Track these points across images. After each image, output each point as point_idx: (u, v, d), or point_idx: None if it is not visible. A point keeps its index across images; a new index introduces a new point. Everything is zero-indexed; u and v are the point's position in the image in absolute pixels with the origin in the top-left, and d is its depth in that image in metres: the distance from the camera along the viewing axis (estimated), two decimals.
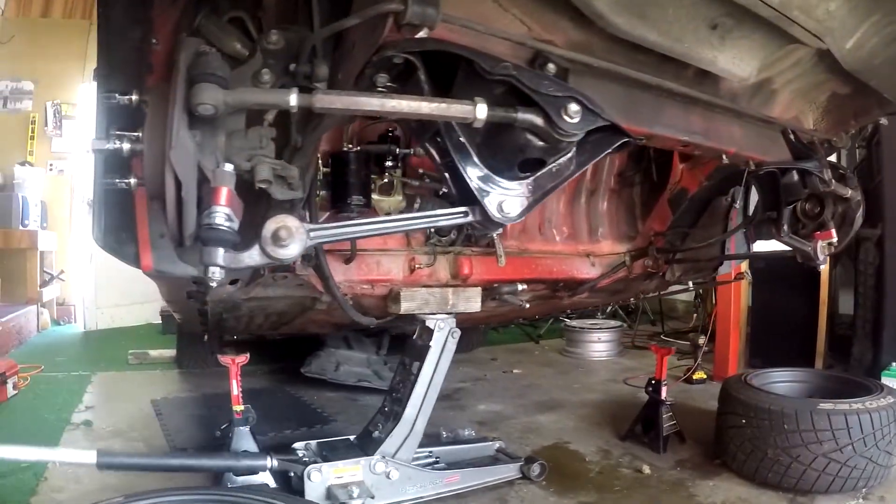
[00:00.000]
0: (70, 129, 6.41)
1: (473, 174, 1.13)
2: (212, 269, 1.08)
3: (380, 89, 1.12)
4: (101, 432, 2.92)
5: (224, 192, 1.07)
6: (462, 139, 1.12)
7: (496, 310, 2.73)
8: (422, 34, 1.02)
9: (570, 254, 2.45)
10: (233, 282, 1.98)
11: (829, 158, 2.22)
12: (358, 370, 3.46)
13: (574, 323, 4.81)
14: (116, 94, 1.23)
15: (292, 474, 2.08)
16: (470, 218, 1.17)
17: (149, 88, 1.24)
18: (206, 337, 3.59)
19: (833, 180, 1.92)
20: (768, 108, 1.70)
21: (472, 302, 2.14)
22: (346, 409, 3.24)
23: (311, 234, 1.10)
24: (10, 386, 3.42)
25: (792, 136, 1.81)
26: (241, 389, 2.38)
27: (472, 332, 4.56)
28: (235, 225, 1.10)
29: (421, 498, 2.16)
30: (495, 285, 2.20)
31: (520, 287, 2.18)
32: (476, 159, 1.14)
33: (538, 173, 1.15)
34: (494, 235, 2.24)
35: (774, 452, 2.25)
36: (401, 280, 2.08)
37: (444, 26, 1.05)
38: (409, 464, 2.15)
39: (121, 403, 3.48)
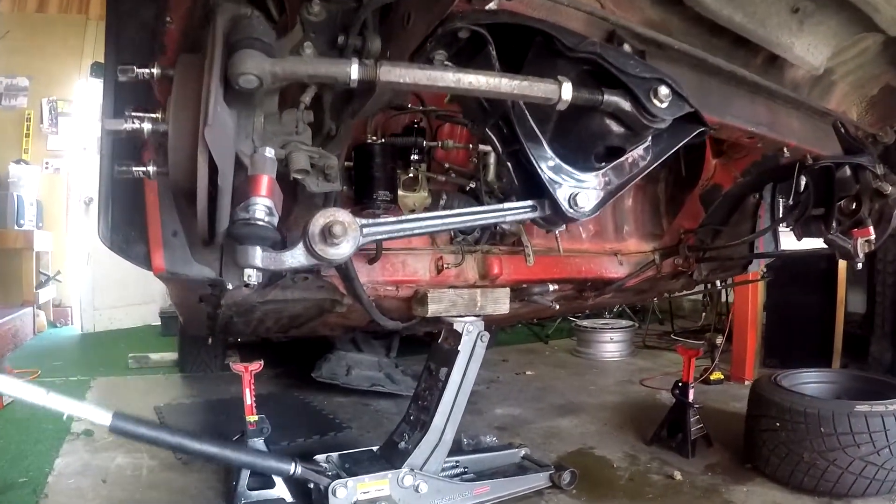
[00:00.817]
0: (66, 126, 6.23)
1: (544, 164, 1.01)
2: (248, 271, 0.94)
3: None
4: (103, 442, 2.76)
5: (265, 182, 0.94)
6: (533, 124, 0.99)
7: (518, 311, 2.61)
8: (492, 5, 0.89)
9: (598, 252, 2.33)
10: (248, 284, 1.85)
11: None
12: (370, 374, 3.32)
13: (585, 323, 4.69)
14: (134, 67, 1.08)
15: (312, 486, 1.94)
16: (538, 213, 1.05)
17: (176, 60, 1.09)
18: (210, 340, 3.46)
19: (885, 178, 1.82)
20: (826, 99, 1.63)
21: (500, 304, 2.01)
22: (359, 416, 3.11)
23: (365, 230, 0.97)
24: (3, 396, 3.27)
25: (843, 130, 1.71)
26: (254, 398, 2.26)
27: None
28: (276, 220, 0.97)
29: None
30: (524, 286, 2.08)
31: (551, 287, 2.05)
32: (547, 147, 1.01)
33: (614, 163, 1.03)
34: (523, 235, 2.12)
35: (811, 456, 2.19)
36: (427, 281, 1.95)
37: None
38: (438, 476, 2.03)
39: (123, 410, 3.33)
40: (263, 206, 0.93)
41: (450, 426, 2.01)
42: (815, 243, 3.76)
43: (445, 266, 1.94)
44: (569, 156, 1.04)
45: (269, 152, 0.97)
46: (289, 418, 3.04)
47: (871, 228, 2.02)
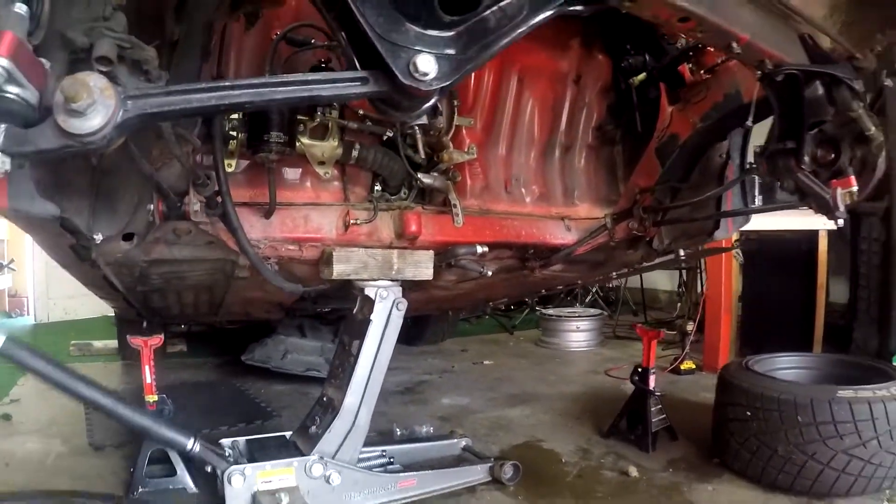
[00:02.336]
0: None
1: (374, 18, 0.76)
2: None
3: None
4: (20, 426, 2.62)
5: (7, 38, 0.70)
6: None
7: (461, 287, 2.36)
8: None
9: (542, 216, 2.09)
10: (126, 237, 1.60)
11: None
12: (308, 359, 3.08)
13: (550, 311, 4.45)
14: None
15: (219, 475, 1.68)
16: (371, 87, 0.80)
17: None
18: (144, 324, 3.22)
19: (861, 104, 1.57)
20: None
21: (422, 267, 1.76)
22: (293, 404, 2.86)
23: (130, 102, 0.73)
24: None
25: (811, 41, 1.46)
26: (154, 376, 2.02)
27: (440, 322, 4.20)
28: (28, 93, 0.73)
29: None
30: (451, 248, 1.83)
31: (479, 249, 1.80)
32: (383, 9, 0.76)
33: (474, 17, 0.78)
34: (451, 193, 1.88)
35: (786, 449, 1.95)
36: (334, 239, 1.70)
37: None
38: (353, 465, 1.78)
39: (50, 398, 3.08)
40: (1, 69, 0.69)
41: (364, 407, 1.75)
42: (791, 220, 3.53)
43: (353, 222, 1.69)
44: (409, 11, 0.79)
45: (19, 7, 0.73)
46: (219, 405, 2.81)
47: (853, 178, 1.78)
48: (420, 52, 0.80)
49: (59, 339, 4.57)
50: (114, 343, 4.05)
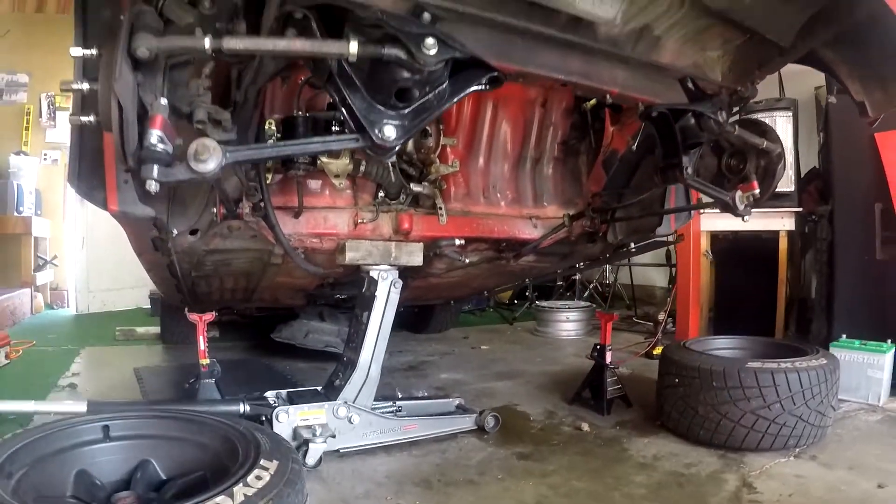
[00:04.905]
0: (63, 120, 6.70)
1: (360, 106, 1.37)
2: (149, 182, 1.32)
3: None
4: (85, 392, 3.18)
5: (158, 119, 1.31)
6: (352, 76, 1.36)
7: (453, 275, 2.96)
8: None
9: (514, 216, 2.68)
10: (192, 232, 2.22)
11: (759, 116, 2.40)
12: (327, 339, 3.68)
13: (545, 304, 5.03)
14: (82, 49, 1.47)
15: (264, 418, 2.24)
16: (361, 143, 1.41)
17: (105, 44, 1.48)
18: (186, 310, 3.86)
19: (737, 126, 2.08)
20: (656, 54, 1.83)
21: (413, 256, 2.36)
22: (314, 377, 3.44)
23: (228, 154, 1.34)
24: (1, 355, 3.68)
25: (690, 84, 1.98)
26: (206, 345, 2.62)
27: (444, 312, 4.81)
28: (169, 148, 1.34)
29: (381, 443, 2.35)
30: (436, 240, 2.43)
31: (457, 241, 2.41)
32: (364, 93, 1.37)
33: (415, 104, 1.40)
34: (437, 198, 2.48)
35: (704, 409, 2.37)
36: (346, 234, 2.31)
37: None
38: (369, 410, 2.34)
39: (105, 372, 3.74)
40: (156, 135, 1.29)
41: (374, 362, 2.32)
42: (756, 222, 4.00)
43: (361, 221, 2.30)
44: (378, 98, 1.39)
45: (164, 101, 1.34)
46: (252, 377, 3.40)
47: (756, 183, 2.24)
48: (386, 124, 1.39)
49: (101, 327, 5.24)
50: (154, 329, 4.71)
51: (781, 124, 3.97)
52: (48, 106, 6.68)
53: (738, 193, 2.23)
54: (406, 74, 1.35)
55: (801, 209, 3.95)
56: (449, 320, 4.93)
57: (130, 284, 6.13)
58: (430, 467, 2.17)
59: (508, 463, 2.22)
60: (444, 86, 1.42)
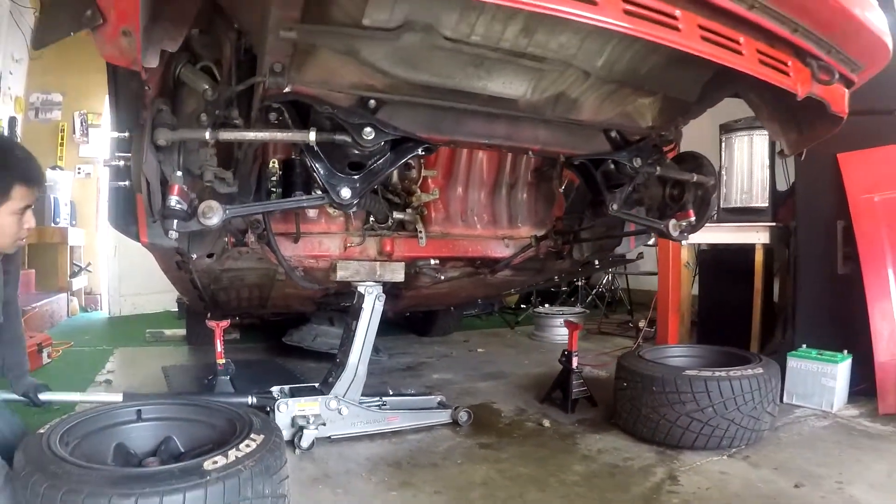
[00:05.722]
0: (95, 136, 7.33)
1: (324, 174, 1.86)
2: (171, 232, 1.82)
3: (273, 123, 1.86)
4: (119, 387, 3.68)
5: (176, 188, 1.81)
6: (318, 152, 1.84)
7: (439, 287, 3.42)
8: (287, 89, 1.74)
9: (489, 237, 3.12)
10: (209, 255, 2.73)
11: (694, 150, 2.68)
12: (333, 342, 4.15)
13: (541, 310, 5.46)
14: (116, 133, 2.00)
15: (268, 409, 2.70)
16: (326, 201, 1.90)
17: (134, 129, 1.99)
18: (209, 315, 4.39)
19: (658, 165, 2.43)
20: (575, 113, 2.18)
21: (396, 273, 2.81)
22: (320, 375, 3.94)
23: (228, 211, 1.83)
24: (45, 354, 4.24)
25: (614, 134, 2.37)
26: (223, 347, 3.12)
27: (447, 317, 5.28)
28: (185, 206, 1.83)
29: (367, 432, 2.80)
30: (415, 260, 2.90)
31: (432, 262, 2.87)
32: (326, 163, 1.84)
33: (365, 171, 1.89)
34: (418, 223, 2.94)
35: (647, 411, 2.68)
36: (338, 255, 2.78)
37: (302, 86, 1.77)
38: (357, 403, 2.80)
39: (136, 370, 4.26)
40: (174, 200, 1.78)
41: (361, 363, 2.77)
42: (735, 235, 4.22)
43: (350, 245, 2.78)
44: (337, 167, 1.86)
45: (179, 174, 1.83)
46: (265, 374, 3.84)
47: (692, 212, 2.60)
48: (343, 187, 1.85)
49: (133, 329, 5.79)
50: (181, 331, 5.25)
51: (758, 143, 4.32)
52: (81, 123, 7.29)
53: (673, 222, 2.60)
54: (355, 151, 1.82)
55: (774, 223, 4.27)
56: (452, 324, 5.39)
57: (159, 289, 6.63)
58: (404, 452, 2.61)
59: (470, 451, 2.64)
60: (388, 155, 1.89)
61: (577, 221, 3.10)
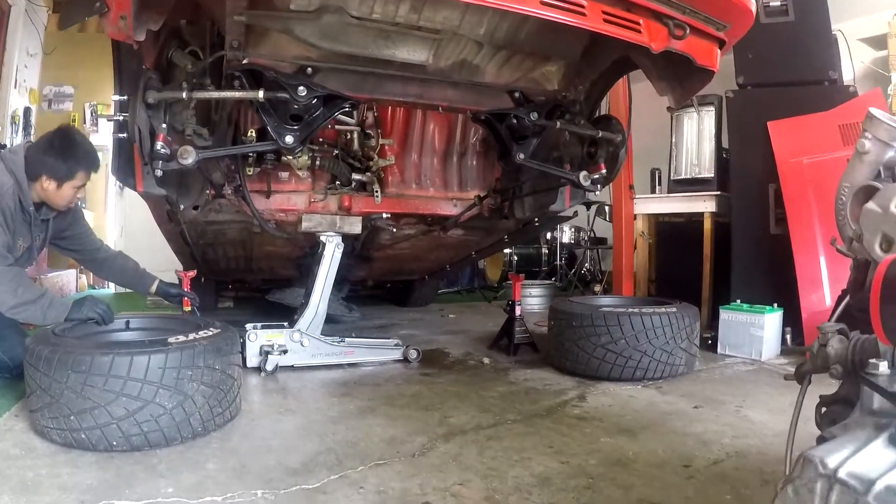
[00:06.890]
0: (105, 126, 7.92)
1: (273, 124, 2.41)
2: (156, 170, 2.40)
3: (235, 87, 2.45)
4: None
5: (161, 136, 2.37)
6: (268, 107, 2.41)
7: (402, 247, 3.96)
8: (245, 61, 2.34)
9: (440, 198, 3.67)
10: (195, 207, 3.30)
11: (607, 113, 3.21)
12: None
13: None
14: (118, 96, 2.59)
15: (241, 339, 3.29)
16: (273, 147, 2.49)
17: (132, 93, 2.56)
18: (202, 280, 4.97)
19: (559, 121, 2.89)
20: (479, 76, 2.72)
21: (354, 226, 3.36)
22: None
23: (199, 153, 2.41)
24: None
25: (518, 94, 2.87)
26: (192, 294, 3.61)
27: (424, 288, 5.81)
28: (167, 151, 2.39)
29: (326, 363, 3.30)
30: (370, 215, 3.47)
31: (384, 215, 3.43)
32: (274, 116, 2.40)
33: (303, 122, 2.45)
34: (374, 185, 3.49)
35: (569, 345, 3.05)
36: (303, 210, 3.33)
37: (256, 58, 2.36)
38: (318, 337, 3.33)
39: None
40: (160, 144, 2.34)
41: (322, 302, 3.31)
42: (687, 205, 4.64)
43: (313, 201, 3.35)
44: (282, 119, 2.41)
45: (164, 125, 2.38)
46: None
47: (603, 165, 3.01)
48: (287, 135, 2.40)
49: (136, 301, 6.36)
50: None
51: (706, 119, 4.80)
52: (91, 114, 7.93)
53: (584, 173, 3.01)
54: (295, 106, 2.39)
55: (719, 192, 4.72)
56: (429, 295, 5.94)
57: (162, 268, 7.20)
58: (354, 377, 3.13)
59: (411, 377, 3.14)
60: (321, 110, 2.47)
61: (514, 181, 3.63)
